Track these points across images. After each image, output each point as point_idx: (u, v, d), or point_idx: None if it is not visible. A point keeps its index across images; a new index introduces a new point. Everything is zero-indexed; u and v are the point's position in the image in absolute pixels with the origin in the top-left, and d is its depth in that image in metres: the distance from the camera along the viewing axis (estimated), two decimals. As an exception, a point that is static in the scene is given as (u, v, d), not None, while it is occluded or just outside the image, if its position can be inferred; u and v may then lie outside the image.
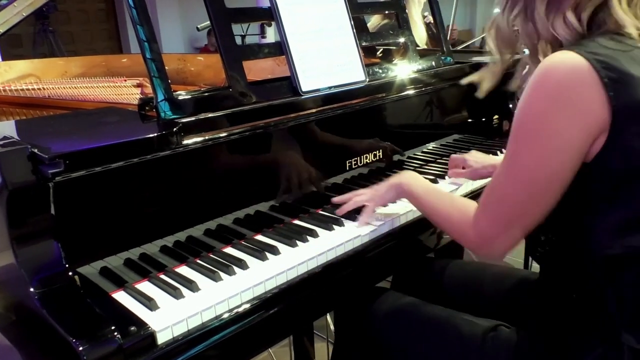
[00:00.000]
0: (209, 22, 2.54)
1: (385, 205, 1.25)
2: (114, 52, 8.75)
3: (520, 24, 0.96)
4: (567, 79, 0.80)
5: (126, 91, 2.09)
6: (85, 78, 2.35)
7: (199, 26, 2.40)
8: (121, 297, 0.95)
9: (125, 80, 2.25)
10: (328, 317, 1.99)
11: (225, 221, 1.17)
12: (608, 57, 0.80)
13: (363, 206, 1.22)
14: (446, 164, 1.60)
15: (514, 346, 0.98)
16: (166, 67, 2.59)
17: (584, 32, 0.88)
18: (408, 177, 1.19)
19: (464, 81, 1.13)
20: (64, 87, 2.06)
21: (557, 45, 0.92)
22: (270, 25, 2.32)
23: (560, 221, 0.90)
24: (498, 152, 1.71)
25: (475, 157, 1.46)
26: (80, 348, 0.75)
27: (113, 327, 0.79)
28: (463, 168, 1.47)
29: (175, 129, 0.96)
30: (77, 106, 1.73)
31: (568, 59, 0.81)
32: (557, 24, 0.89)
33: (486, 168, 1.42)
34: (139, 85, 2.18)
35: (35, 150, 0.81)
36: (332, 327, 1.95)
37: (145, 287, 0.98)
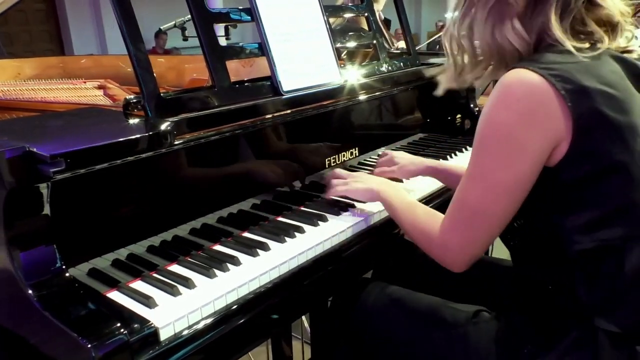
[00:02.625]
0: (171, 23, 2.51)
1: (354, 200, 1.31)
2: (56, 54, 8.44)
3: (470, 35, 1.00)
4: (527, 96, 0.86)
5: (89, 93, 2.04)
6: (41, 80, 2.27)
7: (162, 27, 2.38)
8: (116, 296, 0.94)
9: (85, 82, 2.19)
10: (303, 316, 2.01)
11: (210, 220, 1.19)
12: (561, 70, 0.86)
13: (348, 204, 1.28)
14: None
15: (495, 331, 1.03)
16: (128, 69, 2.55)
17: (530, 43, 0.93)
18: (387, 185, 1.24)
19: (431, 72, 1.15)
20: (21, 90, 1.99)
21: (506, 58, 0.97)
22: (235, 27, 2.34)
23: (532, 222, 0.96)
24: (463, 149, 1.79)
25: (403, 155, 1.49)
26: (89, 345, 0.75)
27: (119, 324, 0.79)
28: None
29: (169, 127, 0.96)
30: (42, 108, 1.68)
31: (524, 78, 0.86)
32: (506, 34, 0.94)
33: (415, 165, 1.44)
34: (100, 87, 2.12)
35: (35, 149, 0.80)
36: (306, 324, 1.97)
37: (140, 286, 0.98)
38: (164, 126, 0.96)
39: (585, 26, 0.93)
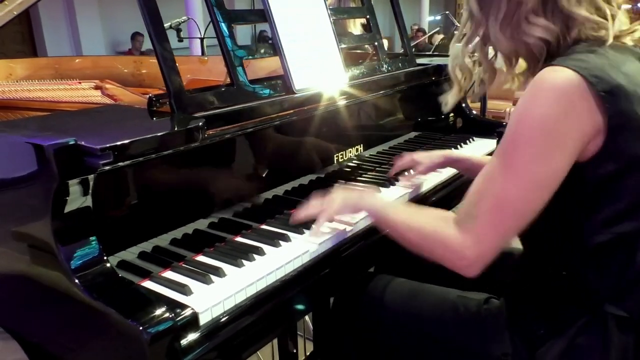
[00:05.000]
0: (166, 25, 2.53)
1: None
2: (28, 56, 8.28)
3: (484, 52, 1.07)
4: (565, 92, 0.88)
5: (87, 93, 2.05)
6: (34, 80, 2.27)
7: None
8: (151, 286, 0.98)
9: (80, 83, 2.20)
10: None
11: (227, 214, 1.23)
12: (598, 69, 0.89)
13: None
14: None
15: (507, 316, 1.07)
16: (125, 70, 2.55)
17: (557, 31, 0.96)
18: (367, 197, 1.20)
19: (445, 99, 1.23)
20: (16, 90, 1.99)
21: (535, 54, 1.02)
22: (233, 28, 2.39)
23: (549, 216, 0.97)
24: (458, 146, 1.86)
25: (420, 154, 1.49)
26: (140, 328, 0.79)
27: (165, 309, 0.83)
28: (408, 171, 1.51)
29: (200, 123, 1.01)
30: (47, 107, 1.69)
31: (562, 75, 0.88)
32: (529, 32, 0.98)
33: (438, 158, 1.49)
34: (97, 88, 2.13)
35: (83, 143, 0.83)
36: (308, 320, 2.02)
37: (172, 275, 1.01)
38: (196, 122, 1.00)
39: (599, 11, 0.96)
